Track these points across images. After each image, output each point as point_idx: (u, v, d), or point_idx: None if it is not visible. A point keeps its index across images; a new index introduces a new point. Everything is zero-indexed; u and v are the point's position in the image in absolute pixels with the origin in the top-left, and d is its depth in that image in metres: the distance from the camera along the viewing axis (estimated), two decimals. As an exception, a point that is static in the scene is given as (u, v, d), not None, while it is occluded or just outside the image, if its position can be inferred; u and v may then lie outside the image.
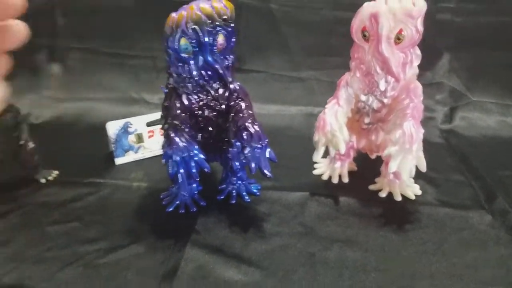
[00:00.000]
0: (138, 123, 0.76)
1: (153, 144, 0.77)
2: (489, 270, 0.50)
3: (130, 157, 0.76)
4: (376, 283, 0.48)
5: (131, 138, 0.76)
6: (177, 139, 0.54)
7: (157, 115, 0.78)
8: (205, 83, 0.55)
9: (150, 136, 0.77)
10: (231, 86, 0.57)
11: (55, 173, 0.70)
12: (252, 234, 0.56)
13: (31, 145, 0.64)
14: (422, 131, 0.57)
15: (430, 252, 0.53)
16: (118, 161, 0.75)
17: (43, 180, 0.68)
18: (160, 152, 0.76)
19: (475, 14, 0.87)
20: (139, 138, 0.77)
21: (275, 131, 0.83)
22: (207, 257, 0.52)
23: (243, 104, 0.57)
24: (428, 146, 0.59)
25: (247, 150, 0.54)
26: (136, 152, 0.76)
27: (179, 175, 0.54)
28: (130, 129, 0.76)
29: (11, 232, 0.56)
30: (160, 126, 0.75)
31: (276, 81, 0.93)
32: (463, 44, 0.89)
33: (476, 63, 0.89)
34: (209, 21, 0.50)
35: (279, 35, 0.92)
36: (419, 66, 0.59)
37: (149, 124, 0.77)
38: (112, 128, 0.74)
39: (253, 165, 0.53)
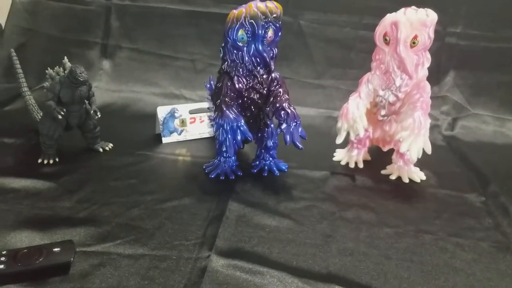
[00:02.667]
0: (183, 110, 0.89)
1: (193, 129, 0.90)
2: (482, 232, 0.61)
3: (174, 137, 0.88)
4: (388, 234, 0.59)
5: (176, 122, 0.88)
6: (227, 112, 0.66)
7: (198, 105, 0.91)
8: (253, 68, 0.67)
9: (191, 122, 0.90)
10: (273, 74, 0.69)
11: (111, 145, 0.82)
12: (282, 196, 0.68)
13: (99, 114, 0.76)
14: (429, 120, 0.69)
15: (432, 217, 0.64)
16: (165, 140, 0.87)
17: (100, 150, 0.80)
18: (200, 136, 0.90)
19: (478, 39, 1.00)
20: (183, 123, 0.89)
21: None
22: (246, 210, 0.63)
23: (281, 90, 0.69)
24: (432, 148, 0.71)
25: (283, 126, 0.66)
26: (179, 134, 0.88)
27: (227, 141, 0.66)
28: (176, 114, 0.88)
29: (79, 184, 0.67)
30: (200, 114, 0.89)
31: (300, 87, 1.06)
32: (466, 64, 1.02)
33: (477, 81, 1.02)
34: (263, 17, 0.63)
35: (306, 47, 1.05)
36: (428, 80, 0.71)
37: (192, 112, 0.90)
38: (161, 111, 0.87)
39: (288, 138, 0.65)
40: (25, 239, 0.52)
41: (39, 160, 0.72)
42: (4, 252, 0.46)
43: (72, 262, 0.48)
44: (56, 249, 0.47)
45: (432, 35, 0.67)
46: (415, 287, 0.49)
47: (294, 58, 1.06)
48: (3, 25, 1.05)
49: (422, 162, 0.74)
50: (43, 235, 0.53)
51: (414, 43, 0.67)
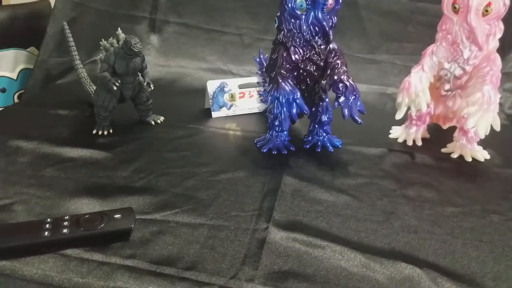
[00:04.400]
0: (232, 84, 0.87)
1: (243, 104, 0.88)
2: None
3: (223, 112, 0.87)
4: (453, 213, 0.56)
5: (226, 96, 0.87)
6: (283, 84, 0.64)
7: (247, 79, 0.89)
8: (311, 38, 0.64)
9: (240, 97, 0.88)
10: (331, 45, 0.66)
11: (162, 118, 0.81)
12: (338, 172, 0.65)
13: (152, 86, 0.75)
14: (499, 95, 0.65)
15: (499, 197, 0.60)
16: (214, 114, 0.86)
17: (152, 122, 0.80)
18: (249, 111, 0.88)
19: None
20: (232, 97, 0.87)
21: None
22: (301, 184, 0.61)
23: (339, 61, 0.66)
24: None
25: (341, 99, 0.63)
26: (229, 108, 0.87)
27: (282, 114, 0.64)
28: (226, 89, 0.87)
29: (135, 154, 0.67)
30: (250, 89, 0.87)
31: (353, 62, 1.00)
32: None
33: (545, 57, 0.95)
34: (324, -17, 0.60)
35: (359, 19, 1.01)
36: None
37: (241, 87, 0.88)
38: (211, 86, 0.86)
39: (346, 111, 0.63)
40: (85, 206, 0.52)
41: (94, 131, 0.73)
42: (66, 217, 0.47)
43: (133, 228, 0.48)
44: (117, 216, 0.47)
45: (508, 2, 0.62)
46: (485, 267, 0.46)
47: (346, 31, 1.02)
48: (52, 3, 1.06)
49: (485, 141, 0.70)
50: (103, 202, 0.53)
51: (486, 11, 0.62)
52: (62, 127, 0.75)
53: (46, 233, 0.44)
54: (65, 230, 0.45)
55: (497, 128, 0.65)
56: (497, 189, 0.62)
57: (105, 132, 0.73)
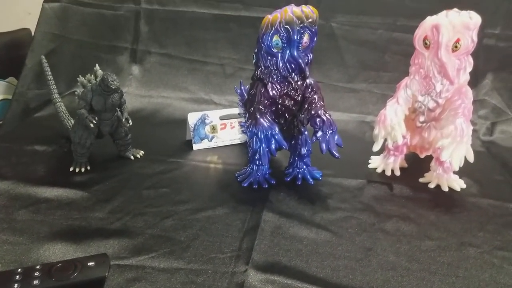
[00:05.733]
0: (213, 116, 0.87)
1: (224, 135, 0.88)
2: (530, 246, 0.57)
3: (205, 144, 0.87)
4: (430, 247, 0.56)
5: (207, 128, 0.87)
6: (262, 120, 0.65)
7: (229, 110, 0.90)
8: (287, 74, 0.65)
9: (222, 128, 0.88)
10: (308, 80, 0.67)
11: (142, 152, 0.81)
12: (318, 206, 0.66)
13: (130, 122, 0.75)
14: (471, 127, 0.66)
15: (476, 229, 0.61)
16: (195, 147, 0.86)
17: (132, 157, 0.79)
18: (231, 142, 0.88)
19: (518, 40, 0.96)
20: (214, 129, 0.87)
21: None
22: (282, 220, 0.61)
23: (316, 96, 0.67)
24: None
25: (319, 134, 0.64)
26: (210, 140, 0.87)
27: (261, 150, 0.64)
28: (207, 120, 0.87)
29: (112, 193, 0.67)
30: (231, 120, 0.87)
31: (332, 91, 1.03)
32: (505, 67, 0.98)
33: (517, 84, 0.98)
34: (298, 22, 0.61)
35: (338, 50, 1.02)
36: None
37: (222, 118, 0.88)
38: (192, 118, 0.86)
39: (324, 146, 0.63)
40: (58, 252, 0.51)
41: (71, 169, 0.72)
42: (38, 267, 0.46)
43: (107, 277, 0.47)
44: (90, 263, 0.46)
45: (475, 39, 0.64)
46: (462, 304, 0.47)
47: (326, 61, 1.03)
48: (33, 31, 1.06)
49: (462, 170, 0.70)
50: (77, 248, 0.52)
51: (456, 47, 0.64)
52: (38, 164, 0.74)
53: (15, 286, 0.43)
54: (36, 282, 0.44)
55: (471, 159, 0.66)
56: (474, 220, 0.63)
57: (83, 169, 0.72)
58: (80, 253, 0.51)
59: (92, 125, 0.69)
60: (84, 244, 0.53)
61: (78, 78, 0.72)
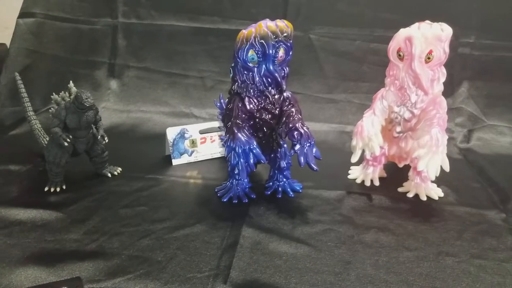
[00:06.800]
0: (193, 130, 0.87)
1: (204, 149, 0.88)
2: (505, 253, 0.58)
3: (184, 159, 0.86)
4: (408, 258, 0.56)
5: (187, 143, 0.86)
6: (239, 134, 0.64)
7: (208, 124, 0.89)
8: (264, 88, 0.65)
9: (202, 142, 0.88)
10: (285, 93, 0.67)
11: (119, 169, 0.80)
12: (298, 220, 0.65)
13: (106, 139, 0.74)
14: (446, 137, 0.67)
15: (453, 237, 0.61)
16: (175, 162, 0.85)
17: (109, 175, 0.78)
18: (211, 156, 0.88)
19: (492, 48, 0.98)
20: (193, 143, 0.87)
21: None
22: (261, 236, 0.61)
23: (294, 109, 0.67)
24: (449, 162, 0.68)
25: (297, 147, 0.64)
26: (190, 155, 0.86)
27: (239, 165, 0.64)
28: (186, 135, 0.86)
29: (88, 212, 0.65)
30: (211, 134, 0.87)
31: (312, 102, 1.04)
32: (480, 75, 1.00)
33: (492, 92, 1.00)
34: (273, 36, 0.61)
35: (317, 61, 1.03)
36: (442, 92, 0.69)
37: (202, 132, 0.88)
38: (171, 133, 0.85)
39: (302, 159, 0.63)
40: (30, 276, 0.50)
41: (46, 188, 0.71)
42: (10, 293, 0.44)
43: (81, 300, 0.46)
44: (64, 288, 0.45)
45: (447, 50, 0.65)
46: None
47: (305, 73, 1.04)
48: (7, 47, 1.04)
49: (439, 178, 0.71)
50: (50, 272, 0.51)
51: (429, 58, 0.65)
52: (12, 184, 0.72)
53: (-15, 315, 0.42)
54: (7, 309, 0.42)
55: (447, 168, 0.67)
56: (451, 228, 0.64)
57: (58, 189, 0.71)
58: (53, 277, 0.50)
59: (66, 144, 0.67)
60: (58, 268, 0.52)
61: (52, 96, 0.71)
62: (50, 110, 0.72)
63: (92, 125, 0.73)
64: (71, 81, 0.72)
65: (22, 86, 0.80)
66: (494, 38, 0.98)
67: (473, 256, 0.57)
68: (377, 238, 0.61)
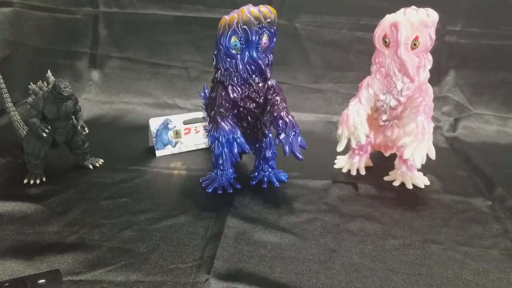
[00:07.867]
0: (177, 121, 0.85)
1: (189, 140, 0.86)
2: (491, 239, 0.58)
3: (168, 150, 0.84)
4: (394, 246, 0.56)
5: (170, 134, 0.85)
6: (223, 123, 0.63)
7: (192, 114, 0.88)
8: (248, 76, 0.64)
9: (186, 133, 0.86)
10: (269, 82, 0.66)
11: (101, 161, 0.78)
12: (283, 210, 0.64)
13: (86, 130, 0.72)
14: (432, 124, 0.67)
15: (439, 225, 0.61)
16: (158, 153, 0.83)
17: (90, 166, 0.76)
18: (195, 147, 0.86)
19: (478, 37, 0.98)
20: (177, 134, 0.85)
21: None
22: (246, 225, 0.60)
23: (278, 98, 0.66)
24: (435, 150, 0.68)
25: (282, 136, 0.63)
26: (174, 146, 0.85)
27: (223, 154, 0.63)
28: (169, 126, 0.84)
29: (68, 204, 0.64)
30: (195, 124, 0.85)
31: (298, 92, 1.03)
32: (467, 63, 1.00)
33: (478, 80, 1.00)
34: (256, 22, 0.60)
35: (302, 50, 1.02)
36: (429, 81, 0.68)
37: (186, 122, 0.86)
38: (154, 124, 0.83)
39: (287, 148, 0.62)
40: (8, 270, 0.49)
41: (25, 181, 0.69)
42: (-16, 287, 0.43)
43: (60, 294, 0.44)
44: (41, 281, 0.44)
45: (433, 36, 0.64)
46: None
47: (291, 62, 1.03)
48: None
49: (426, 166, 0.71)
50: (29, 265, 0.49)
51: (415, 44, 0.64)
52: (-9, 177, 0.71)
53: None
54: (-19, 303, 0.41)
55: (433, 156, 0.67)
56: (437, 216, 0.64)
57: (37, 181, 0.69)
58: (32, 271, 0.48)
59: (44, 134, 0.66)
60: (37, 261, 0.50)
61: (29, 86, 0.69)
62: (28, 101, 0.70)
63: (72, 115, 0.71)
64: (49, 71, 0.70)
65: (0, 77, 0.77)
66: (480, 26, 0.97)
67: (459, 244, 0.57)
68: (363, 227, 0.60)
